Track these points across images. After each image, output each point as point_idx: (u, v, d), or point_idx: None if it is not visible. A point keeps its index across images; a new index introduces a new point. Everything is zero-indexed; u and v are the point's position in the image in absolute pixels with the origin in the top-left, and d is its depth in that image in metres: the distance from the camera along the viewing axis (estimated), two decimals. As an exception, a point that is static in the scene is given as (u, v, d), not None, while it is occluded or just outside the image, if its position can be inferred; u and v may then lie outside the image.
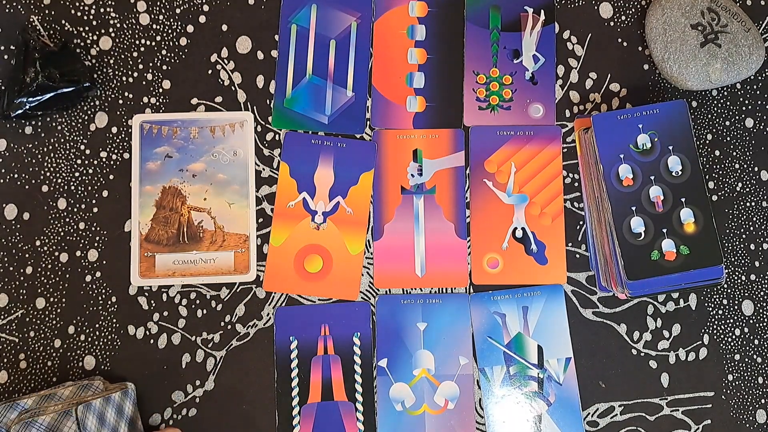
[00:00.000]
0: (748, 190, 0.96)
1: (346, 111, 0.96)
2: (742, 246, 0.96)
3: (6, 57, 0.95)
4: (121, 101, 0.95)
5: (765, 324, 0.95)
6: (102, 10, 0.96)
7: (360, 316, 0.93)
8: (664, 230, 0.88)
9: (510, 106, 0.97)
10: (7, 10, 0.96)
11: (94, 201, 0.93)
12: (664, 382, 0.93)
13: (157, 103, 0.95)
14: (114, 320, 0.92)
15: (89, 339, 0.92)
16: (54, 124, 0.94)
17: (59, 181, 0.94)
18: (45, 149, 0.94)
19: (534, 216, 0.95)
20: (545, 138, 0.96)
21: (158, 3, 0.97)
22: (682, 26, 0.93)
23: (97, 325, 0.92)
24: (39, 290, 0.92)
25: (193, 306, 0.93)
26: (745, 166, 0.97)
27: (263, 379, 0.92)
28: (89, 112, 0.95)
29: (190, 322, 0.93)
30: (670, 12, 0.94)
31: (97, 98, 0.95)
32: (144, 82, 0.96)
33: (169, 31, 0.96)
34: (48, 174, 0.94)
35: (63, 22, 0.96)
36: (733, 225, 0.96)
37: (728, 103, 0.98)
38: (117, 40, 0.96)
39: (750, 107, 0.98)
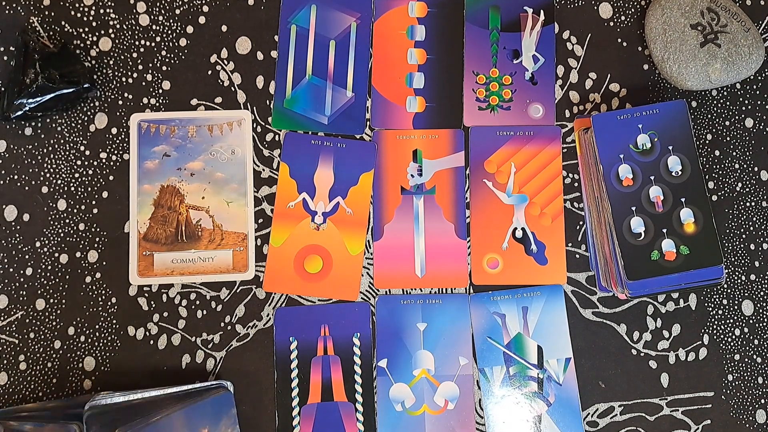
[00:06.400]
0: (748, 190, 0.96)
1: (345, 111, 0.96)
2: (742, 246, 0.95)
3: (5, 58, 0.95)
4: (120, 102, 0.95)
5: (765, 324, 0.95)
6: (102, 11, 0.96)
7: (360, 316, 0.93)
8: (664, 230, 0.88)
9: (510, 107, 0.97)
10: (6, 12, 0.96)
11: (93, 202, 0.93)
12: (664, 382, 0.93)
13: (157, 104, 0.95)
14: (114, 321, 0.92)
15: (89, 340, 0.92)
16: (54, 125, 0.94)
17: (59, 182, 0.94)
18: (45, 150, 0.94)
19: (534, 216, 0.95)
20: (545, 138, 0.96)
21: (158, 4, 0.97)
22: (681, 26, 0.93)
23: (97, 326, 0.92)
24: (39, 291, 0.92)
25: (193, 307, 0.93)
26: (745, 166, 0.97)
27: (263, 380, 0.92)
28: (89, 113, 0.95)
29: (190, 322, 0.93)
30: (669, 12, 0.94)
31: (96, 99, 0.95)
32: (144, 83, 0.96)
33: (169, 31, 0.96)
34: (48, 175, 0.94)
35: (63, 23, 0.96)
36: (733, 225, 0.96)
37: (728, 103, 0.98)
38: (117, 41, 0.96)
39: (750, 107, 0.98)
